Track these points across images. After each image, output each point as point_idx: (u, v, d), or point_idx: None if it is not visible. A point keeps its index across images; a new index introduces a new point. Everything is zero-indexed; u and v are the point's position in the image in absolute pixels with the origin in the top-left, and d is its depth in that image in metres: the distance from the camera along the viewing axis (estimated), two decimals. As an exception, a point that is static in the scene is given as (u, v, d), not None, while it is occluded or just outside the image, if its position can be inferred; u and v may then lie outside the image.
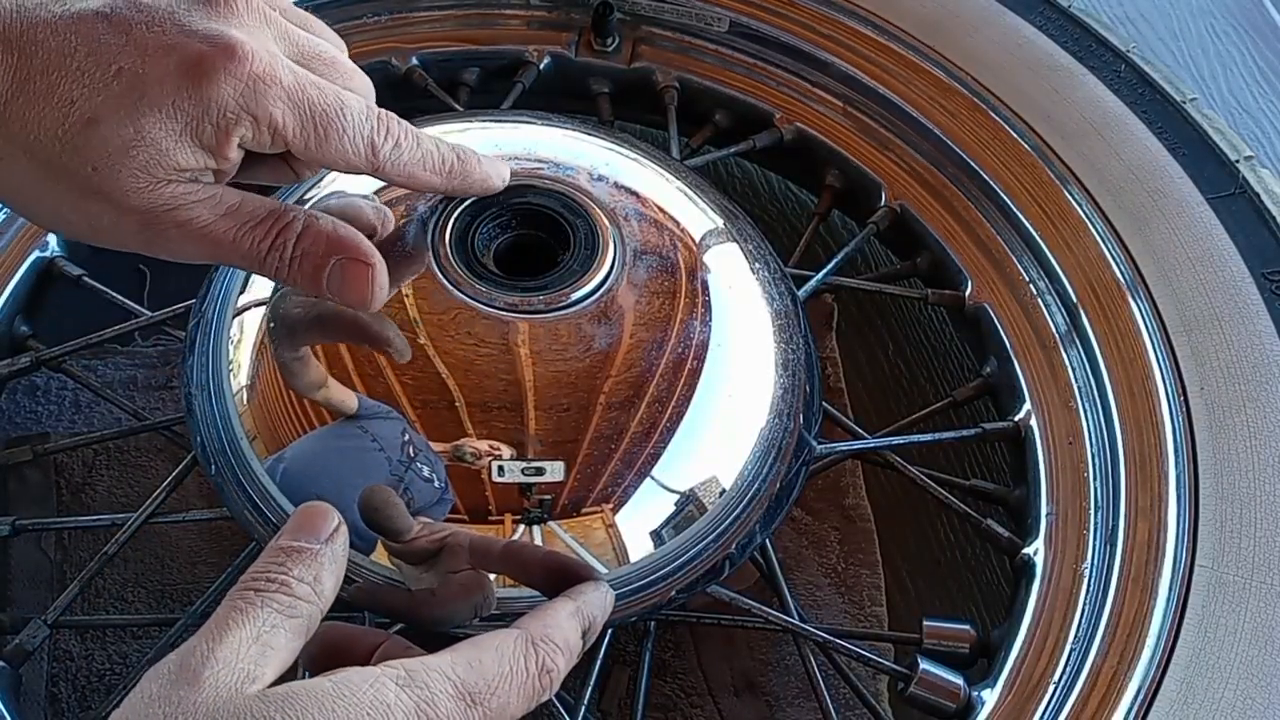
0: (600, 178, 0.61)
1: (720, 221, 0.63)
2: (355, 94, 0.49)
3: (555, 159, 0.62)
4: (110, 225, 0.47)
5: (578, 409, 0.54)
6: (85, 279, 0.74)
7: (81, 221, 0.48)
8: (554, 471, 0.53)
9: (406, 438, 0.53)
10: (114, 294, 0.73)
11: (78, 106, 0.45)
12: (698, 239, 0.61)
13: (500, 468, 0.53)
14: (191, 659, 0.39)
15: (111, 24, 0.46)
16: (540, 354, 0.54)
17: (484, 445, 0.53)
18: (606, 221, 0.58)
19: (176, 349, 0.80)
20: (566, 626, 0.46)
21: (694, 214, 0.63)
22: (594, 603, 0.49)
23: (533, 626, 0.45)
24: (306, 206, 0.52)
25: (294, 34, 0.50)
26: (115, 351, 0.81)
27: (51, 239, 0.75)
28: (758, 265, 0.62)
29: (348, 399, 0.54)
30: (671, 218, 0.61)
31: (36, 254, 0.74)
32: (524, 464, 0.53)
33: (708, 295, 0.59)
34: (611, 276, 0.57)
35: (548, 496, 0.53)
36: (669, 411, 0.55)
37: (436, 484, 0.53)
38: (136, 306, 0.73)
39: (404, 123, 0.50)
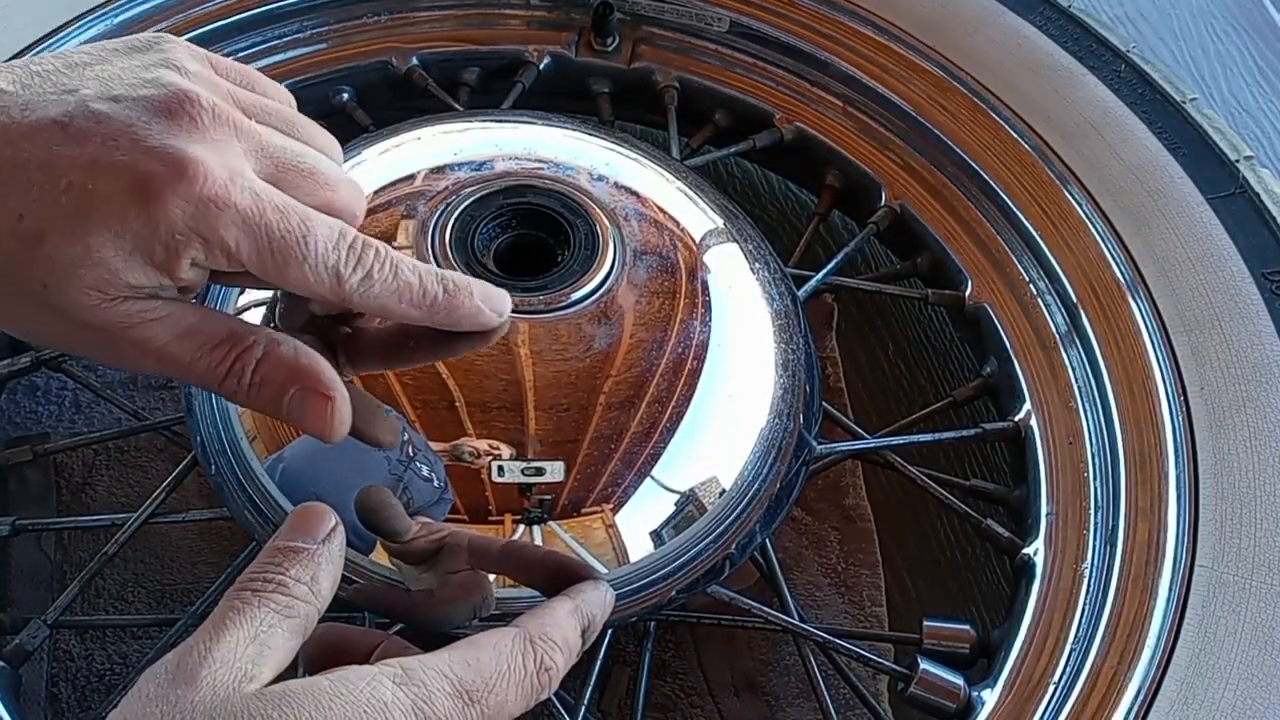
0: (600, 178, 0.61)
1: (720, 221, 0.63)
2: (330, 213, 0.46)
3: (555, 159, 0.62)
4: (66, 334, 0.46)
5: (578, 409, 0.54)
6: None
7: (38, 330, 0.47)
8: (554, 471, 0.53)
9: (405, 437, 0.53)
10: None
11: (25, 221, 0.43)
12: (698, 239, 0.61)
13: (500, 468, 0.53)
14: (188, 659, 0.39)
15: (67, 134, 0.43)
16: (540, 354, 0.54)
17: (483, 444, 0.53)
18: (606, 221, 0.58)
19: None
20: (565, 625, 0.46)
21: (694, 214, 0.63)
22: (593, 601, 0.49)
23: (531, 625, 0.45)
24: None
25: (270, 145, 0.47)
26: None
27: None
28: (758, 265, 0.62)
29: None
30: (671, 218, 0.61)
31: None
32: (524, 464, 0.53)
33: (708, 295, 0.59)
34: (611, 277, 0.57)
35: (548, 496, 0.53)
36: (669, 411, 0.55)
37: (436, 483, 0.53)
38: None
39: (382, 248, 0.46)
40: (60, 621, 0.63)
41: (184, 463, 0.65)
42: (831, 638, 0.63)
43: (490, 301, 0.49)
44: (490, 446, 0.53)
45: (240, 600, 0.41)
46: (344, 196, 0.48)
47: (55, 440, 0.74)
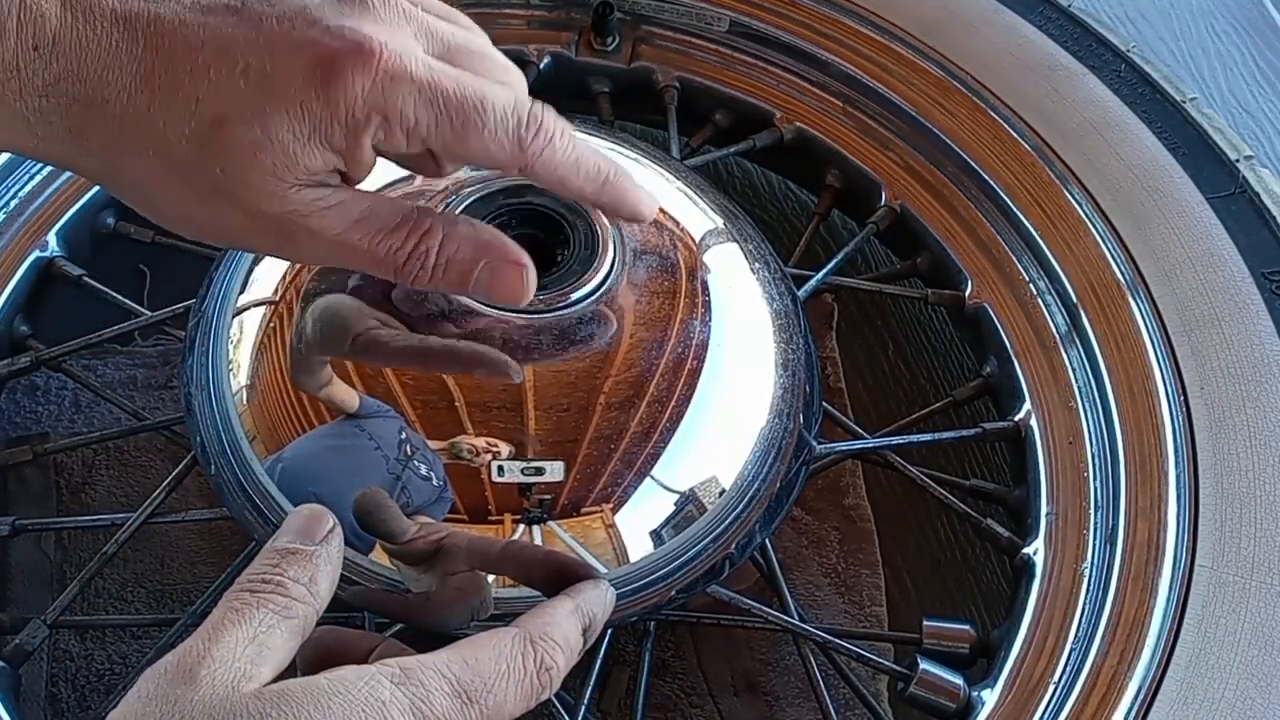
0: None
1: (720, 221, 0.63)
2: (505, 85, 0.47)
3: None
4: (237, 227, 0.46)
5: (577, 409, 0.54)
6: (85, 279, 0.74)
7: (209, 222, 0.46)
8: (554, 471, 0.53)
9: (404, 436, 0.53)
10: (114, 294, 0.73)
11: (204, 105, 0.43)
12: (698, 239, 0.61)
13: (500, 468, 0.53)
14: (188, 658, 0.39)
15: (240, 18, 0.44)
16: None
17: (481, 442, 0.53)
18: (606, 222, 0.58)
19: (176, 349, 0.80)
20: (566, 624, 0.46)
21: (694, 214, 0.63)
22: (594, 601, 0.48)
23: (531, 624, 0.45)
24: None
25: (437, 28, 0.47)
26: (115, 351, 0.81)
27: (51, 239, 0.75)
28: (758, 265, 0.62)
29: (349, 398, 0.54)
30: (671, 218, 0.61)
31: (36, 254, 0.74)
32: (523, 464, 0.53)
33: (708, 295, 0.59)
34: (611, 276, 0.57)
35: (547, 496, 0.53)
36: (669, 411, 0.55)
37: (435, 482, 0.53)
38: (136, 306, 0.73)
39: (560, 120, 0.47)
40: (60, 621, 0.63)
41: (184, 463, 0.65)
42: (831, 638, 0.63)
43: (649, 199, 0.50)
44: (489, 444, 0.53)
45: (239, 601, 0.41)
46: (514, 78, 0.49)
47: (55, 440, 0.74)
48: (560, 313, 0.55)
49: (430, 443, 0.53)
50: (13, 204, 0.75)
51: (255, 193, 0.44)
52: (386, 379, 0.54)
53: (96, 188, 0.76)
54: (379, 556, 0.54)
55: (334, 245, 0.46)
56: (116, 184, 0.46)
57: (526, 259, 0.48)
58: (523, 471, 0.53)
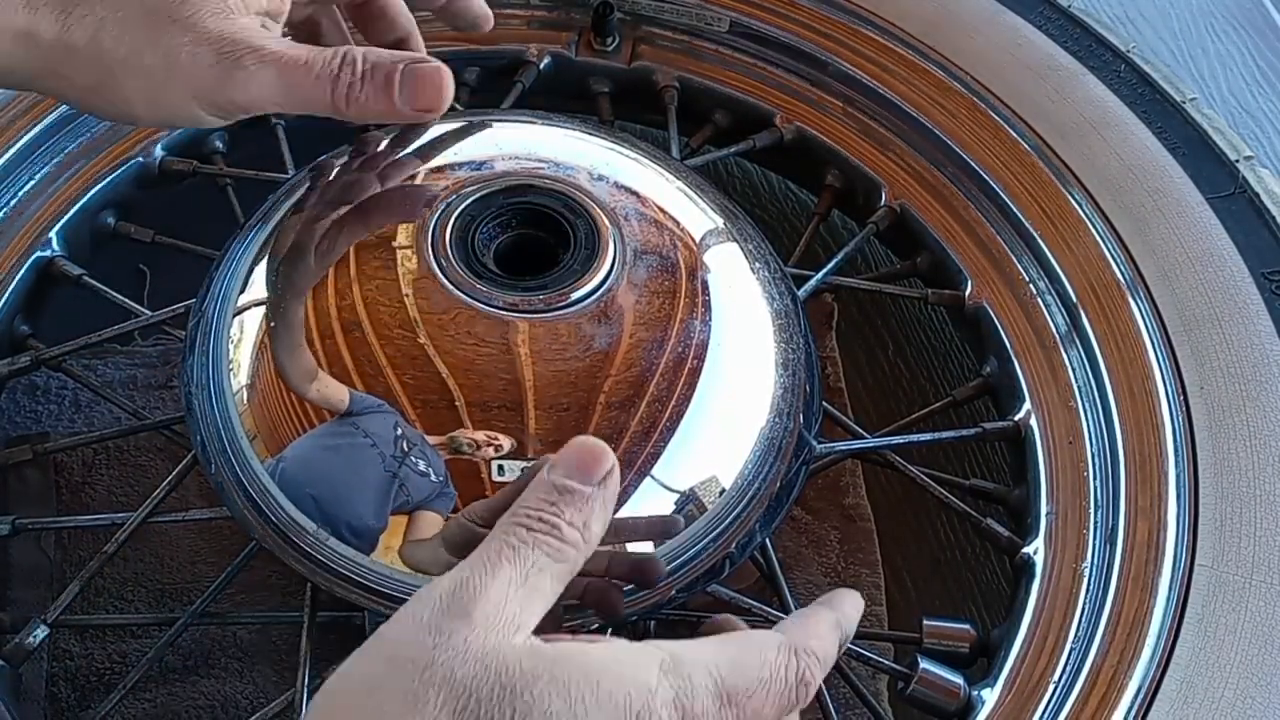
0: (600, 177, 0.61)
1: (720, 221, 0.63)
2: None
3: (555, 159, 0.62)
4: (188, 60, 0.50)
5: (578, 408, 0.54)
6: (85, 278, 0.74)
7: (160, 64, 0.50)
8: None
9: (399, 431, 0.53)
10: (114, 294, 0.73)
11: None
12: (698, 238, 0.61)
13: (500, 466, 0.53)
14: (464, 592, 0.39)
15: None
16: (540, 353, 0.54)
17: (481, 435, 0.53)
18: (606, 221, 0.58)
19: (176, 349, 0.80)
20: (828, 639, 0.45)
21: (694, 214, 0.63)
22: (852, 615, 0.48)
23: (796, 634, 0.43)
24: None
25: None
26: (115, 351, 0.81)
27: (53, 238, 0.75)
28: (758, 265, 0.62)
29: (340, 394, 0.54)
30: (672, 217, 0.61)
31: (37, 254, 0.74)
32: (524, 462, 0.53)
33: (708, 295, 0.59)
34: (611, 276, 0.57)
35: None
36: (669, 411, 0.55)
37: (434, 478, 0.53)
38: (136, 306, 0.73)
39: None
40: (60, 621, 0.63)
41: (184, 462, 0.65)
42: (831, 637, 0.62)
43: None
44: (488, 437, 0.53)
45: (515, 538, 0.41)
46: None
47: (55, 440, 0.74)
48: (560, 312, 0.55)
49: (429, 438, 0.53)
50: (13, 204, 0.75)
51: (205, 14, 0.50)
52: (386, 378, 0.54)
53: (97, 188, 0.77)
54: (381, 556, 0.54)
55: (278, 61, 0.51)
56: (95, 58, 0.51)
57: (444, 66, 0.54)
58: (523, 470, 0.53)
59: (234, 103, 0.51)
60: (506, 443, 0.53)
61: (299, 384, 0.55)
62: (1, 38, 0.51)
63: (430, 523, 0.53)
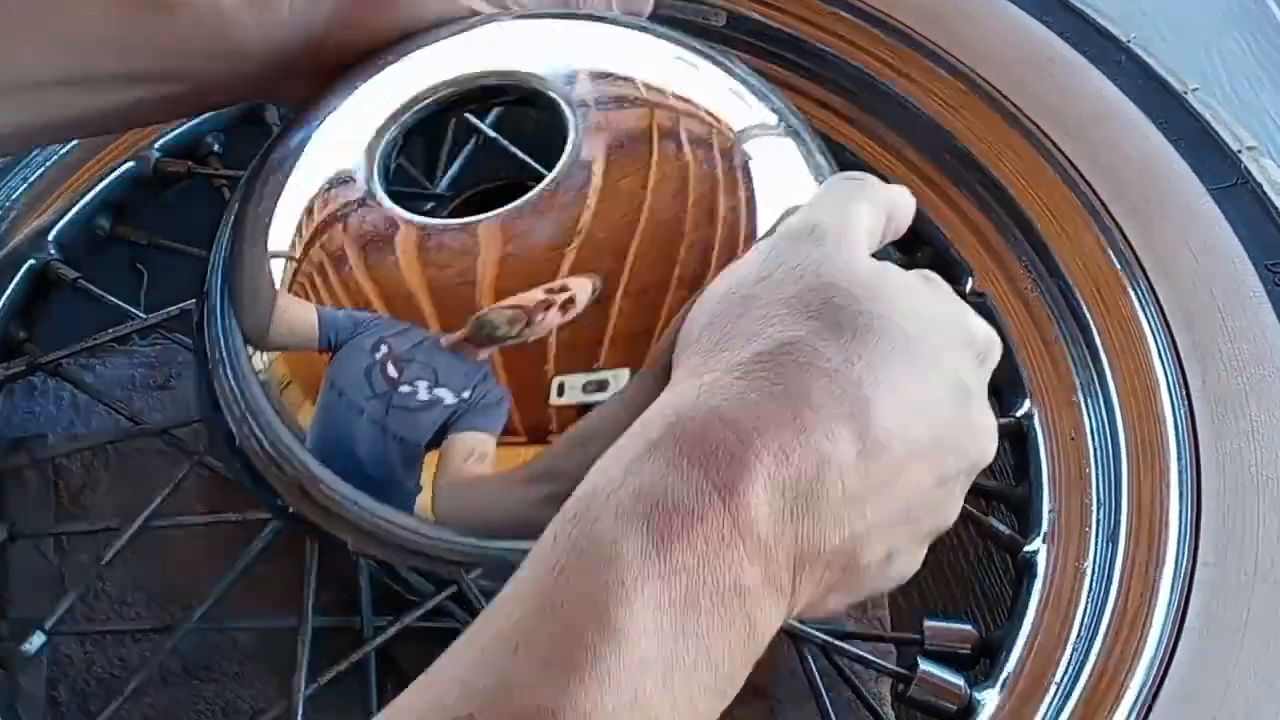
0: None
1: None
2: None
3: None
4: None
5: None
6: (81, 282, 0.74)
7: None
8: (618, 382, 0.44)
9: (377, 356, 0.42)
10: (110, 297, 0.73)
11: None
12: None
13: (560, 385, 0.43)
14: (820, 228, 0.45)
15: None
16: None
17: (507, 311, 0.42)
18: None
19: (174, 349, 0.80)
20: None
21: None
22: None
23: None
24: None
25: None
26: (112, 351, 0.80)
27: (48, 241, 0.75)
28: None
29: (306, 317, 0.46)
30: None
31: (32, 258, 0.74)
32: (585, 377, 0.43)
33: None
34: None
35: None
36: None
37: (449, 400, 0.41)
38: (133, 309, 0.73)
39: None
40: (59, 627, 0.63)
41: (188, 466, 0.65)
42: (832, 640, 0.62)
43: None
44: (518, 306, 0.41)
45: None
46: None
47: (53, 443, 0.74)
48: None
49: (443, 337, 0.43)
50: (8, 207, 0.75)
51: None
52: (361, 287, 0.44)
53: (92, 191, 0.76)
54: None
55: None
56: None
57: None
58: (583, 389, 0.43)
59: None
60: (581, 286, 0.42)
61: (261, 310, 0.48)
62: None
63: (466, 449, 0.42)
